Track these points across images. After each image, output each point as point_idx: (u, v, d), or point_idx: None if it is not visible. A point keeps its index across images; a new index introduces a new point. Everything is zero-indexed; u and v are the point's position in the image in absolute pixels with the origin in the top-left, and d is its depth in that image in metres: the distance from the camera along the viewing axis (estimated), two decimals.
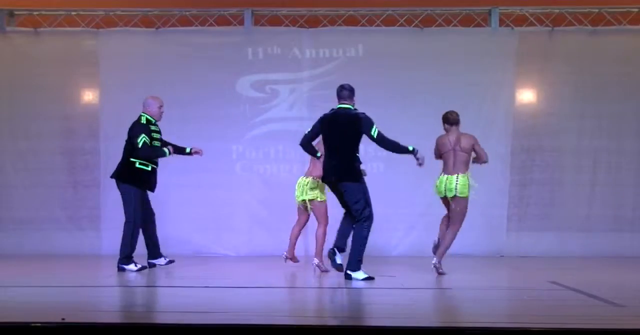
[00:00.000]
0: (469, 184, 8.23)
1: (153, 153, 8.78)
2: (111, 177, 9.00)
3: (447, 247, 8.26)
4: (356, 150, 8.05)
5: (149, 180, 8.82)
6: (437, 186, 8.38)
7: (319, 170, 8.32)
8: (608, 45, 11.02)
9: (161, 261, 8.99)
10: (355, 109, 8.13)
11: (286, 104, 11.19)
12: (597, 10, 11.06)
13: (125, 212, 8.79)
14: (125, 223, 8.80)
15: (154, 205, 9.09)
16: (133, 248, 8.83)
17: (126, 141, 8.88)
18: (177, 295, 7.34)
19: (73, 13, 11.25)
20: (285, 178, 10.99)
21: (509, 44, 11.04)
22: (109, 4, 11.27)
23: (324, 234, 8.63)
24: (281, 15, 11.29)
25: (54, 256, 10.37)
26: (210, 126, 10.87)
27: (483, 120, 10.88)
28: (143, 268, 8.76)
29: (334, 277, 8.36)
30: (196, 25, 11.27)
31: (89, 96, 11.36)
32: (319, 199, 8.65)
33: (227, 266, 9.43)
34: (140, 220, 8.82)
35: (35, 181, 11.14)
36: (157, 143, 8.83)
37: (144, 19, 11.26)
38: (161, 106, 8.90)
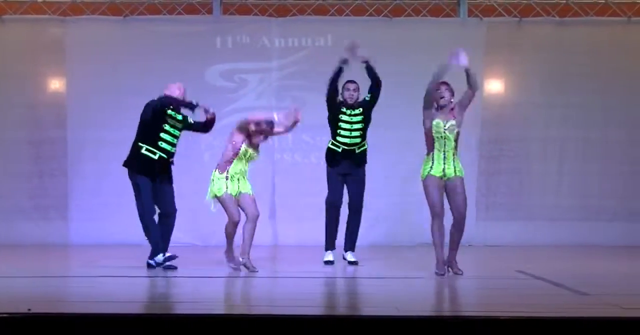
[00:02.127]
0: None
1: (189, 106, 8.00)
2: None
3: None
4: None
5: (152, 169, 8.05)
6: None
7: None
8: (575, 36, 11.11)
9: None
10: None
11: (255, 94, 11.16)
12: (564, 2, 11.15)
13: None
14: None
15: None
16: (156, 242, 8.06)
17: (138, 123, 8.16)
18: (144, 284, 7.32)
19: (39, 0, 11.12)
20: (253, 167, 10.93)
21: (477, 34, 11.08)
22: None
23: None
24: (250, 4, 11.25)
25: (20, 246, 10.28)
26: None
27: None
28: (170, 258, 8.00)
29: (302, 266, 8.38)
30: (164, 14, 11.20)
31: (56, 85, 11.25)
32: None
33: (195, 256, 9.40)
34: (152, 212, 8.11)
35: (0, 171, 11.02)
36: (168, 136, 8.10)
37: (112, 7, 11.17)
38: (179, 89, 8.20)
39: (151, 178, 8.14)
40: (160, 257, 8.06)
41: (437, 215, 7.62)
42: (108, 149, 10.87)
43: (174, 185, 8.36)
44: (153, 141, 8.11)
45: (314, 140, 10.60)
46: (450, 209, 7.72)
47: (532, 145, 11.19)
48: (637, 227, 11.00)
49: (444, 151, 7.66)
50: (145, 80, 10.67)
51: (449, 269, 7.71)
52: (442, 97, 7.71)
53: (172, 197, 8.32)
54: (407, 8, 11.17)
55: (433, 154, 7.67)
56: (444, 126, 7.66)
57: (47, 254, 9.72)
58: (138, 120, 8.75)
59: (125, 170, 10.55)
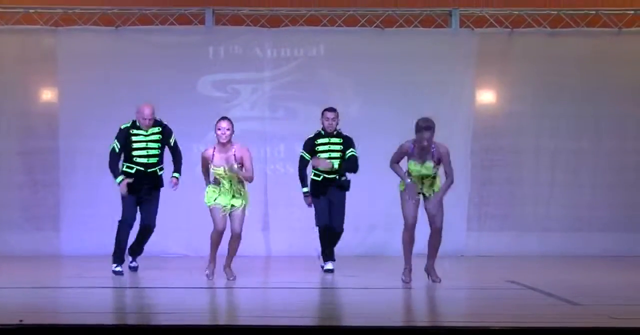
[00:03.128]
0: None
1: (110, 164, 8.75)
2: None
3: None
4: None
5: (132, 183, 8.68)
6: None
7: None
8: (566, 46, 11.15)
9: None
10: None
11: (247, 104, 11.16)
12: (555, 12, 11.19)
13: None
14: None
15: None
16: (118, 247, 8.75)
17: None
18: (136, 295, 7.31)
19: (31, 11, 11.12)
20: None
21: (469, 44, 11.12)
22: (68, 2, 11.14)
23: None
24: (242, 15, 11.27)
25: (11, 257, 10.23)
26: (171, 125, 10.75)
27: (443, 121, 10.87)
28: (118, 273, 8.61)
29: (293, 277, 8.38)
30: (156, 24, 11.20)
31: (48, 95, 11.23)
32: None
33: (187, 267, 9.38)
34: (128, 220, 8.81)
35: None
36: (139, 151, 8.72)
37: (104, 17, 11.17)
38: (144, 117, 8.72)
39: (131, 191, 8.64)
40: (113, 266, 8.60)
41: (408, 226, 7.84)
42: (100, 159, 10.78)
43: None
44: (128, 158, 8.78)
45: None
46: (428, 220, 7.89)
47: (524, 155, 11.21)
48: (628, 237, 11.01)
49: (422, 181, 7.88)
50: (138, 90, 10.66)
51: (428, 276, 7.88)
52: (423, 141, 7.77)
53: (152, 211, 8.81)
54: (399, 18, 11.21)
55: (411, 175, 7.86)
56: (421, 167, 7.80)
57: (38, 265, 9.69)
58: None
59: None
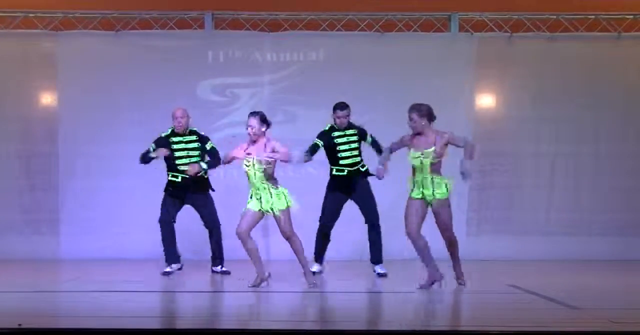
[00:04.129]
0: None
1: (141, 157, 8.91)
2: None
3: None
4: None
5: (174, 191, 8.96)
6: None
7: None
8: (566, 51, 11.16)
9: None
10: None
11: (247, 108, 11.12)
12: (554, 17, 11.21)
13: None
14: None
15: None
16: (165, 249, 8.96)
17: None
18: (135, 299, 7.30)
19: (31, 15, 11.13)
20: (245, 182, 10.95)
21: (468, 49, 11.14)
22: (68, 6, 11.16)
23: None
24: (242, 19, 11.28)
25: (10, 261, 10.22)
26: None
27: (443, 125, 10.88)
28: (166, 273, 8.90)
29: (292, 281, 8.37)
30: (156, 28, 11.21)
31: (47, 99, 11.23)
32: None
33: (188, 270, 9.37)
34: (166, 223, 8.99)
35: None
36: (182, 159, 8.92)
37: (104, 21, 11.18)
38: (176, 117, 8.95)
39: (175, 197, 9.00)
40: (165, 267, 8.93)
41: (408, 234, 7.80)
42: (99, 163, 10.87)
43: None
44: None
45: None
46: (438, 228, 7.88)
47: (523, 159, 11.22)
48: (628, 241, 11.02)
49: (422, 177, 7.77)
50: (137, 94, 10.68)
51: (456, 279, 7.96)
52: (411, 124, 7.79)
53: (211, 213, 9.12)
54: (398, 23, 11.22)
55: (414, 177, 7.81)
56: (421, 154, 7.73)
57: (37, 269, 9.68)
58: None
59: (116, 184, 10.62)
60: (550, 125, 11.18)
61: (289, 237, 7.99)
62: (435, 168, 7.76)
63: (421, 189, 7.77)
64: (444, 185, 7.77)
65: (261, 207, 7.93)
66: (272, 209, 7.91)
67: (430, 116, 7.85)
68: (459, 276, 7.94)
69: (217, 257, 9.14)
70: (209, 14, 11.18)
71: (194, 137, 9.02)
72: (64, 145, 10.94)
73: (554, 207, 11.17)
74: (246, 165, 7.96)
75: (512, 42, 11.22)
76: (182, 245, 9.59)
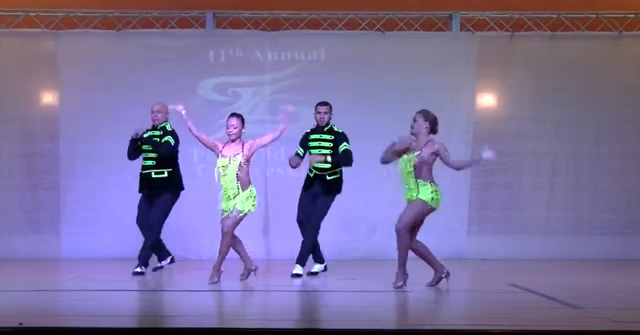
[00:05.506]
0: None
1: (128, 155, 9.05)
2: None
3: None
4: None
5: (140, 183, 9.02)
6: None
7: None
8: (566, 50, 11.16)
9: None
10: None
11: (248, 107, 11.16)
12: (555, 16, 11.20)
13: None
14: None
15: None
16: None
17: None
18: (136, 298, 7.30)
19: (32, 14, 11.13)
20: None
21: (469, 48, 11.14)
22: (69, 5, 11.16)
23: None
24: (243, 18, 11.28)
25: (12, 260, 10.23)
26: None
27: (444, 124, 10.87)
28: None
29: (292, 280, 8.37)
30: (157, 28, 11.22)
31: (48, 98, 11.24)
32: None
33: (187, 270, 9.38)
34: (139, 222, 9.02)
35: None
36: (147, 153, 8.96)
37: (105, 20, 11.18)
38: (152, 111, 9.01)
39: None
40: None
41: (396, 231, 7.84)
42: (100, 162, 10.88)
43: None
44: None
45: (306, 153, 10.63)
46: None
47: (524, 159, 11.21)
48: (628, 240, 11.02)
49: (406, 180, 7.81)
50: (138, 93, 10.67)
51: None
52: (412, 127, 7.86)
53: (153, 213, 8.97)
54: (400, 22, 11.22)
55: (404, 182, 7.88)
56: (407, 156, 7.79)
57: (39, 268, 9.68)
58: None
59: (118, 183, 10.60)
60: (551, 124, 11.18)
61: (226, 233, 8.07)
62: (421, 174, 7.73)
63: (409, 192, 7.77)
64: (428, 191, 7.72)
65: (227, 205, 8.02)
66: (231, 208, 8.00)
67: (433, 125, 7.87)
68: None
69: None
70: (210, 13, 11.18)
71: (158, 133, 8.96)
72: (65, 145, 10.95)
73: (555, 206, 11.17)
74: (222, 167, 8.00)
75: (513, 41, 11.22)
76: (172, 244, 9.64)
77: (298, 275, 8.63)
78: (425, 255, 7.86)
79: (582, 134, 11.20)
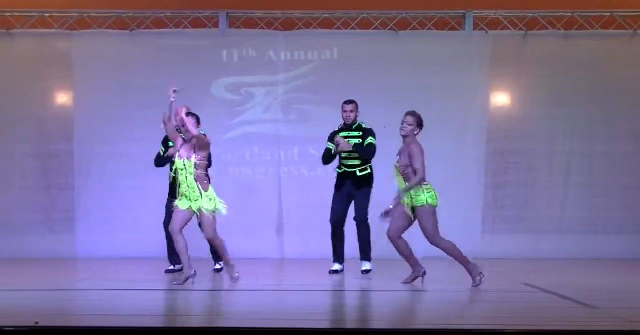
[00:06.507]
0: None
1: (156, 161, 9.04)
2: None
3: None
4: None
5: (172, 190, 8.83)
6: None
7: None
8: (580, 48, 11.12)
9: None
10: None
11: (261, 107, 11.18)
12: (570, 15, 11.16)
13: None
14: None
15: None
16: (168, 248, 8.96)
17: None
18: (151, 298, 7.32)
19: (46, 14, 11.18)
20: (260, 181, 11.00)
21: (483, 47, 11.11)
22: (82, 6, 11.20)
23: None
24: (256, 18, 11.29)
25: (27, 260, 10.29)
26: None
27: (458, 124, 10.97)
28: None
29: (306, 279, 8.38)
30: (171, 28, 11.24)
31: (63, 98, 11.28)
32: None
33: (200, 269, 9.39)
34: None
35: (8, 184, 11.03)
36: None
37: (118, 20, 11.21)
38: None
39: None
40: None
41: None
42: (115, 162, 10.91)
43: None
44: None
45: (320, 153, 10.62)
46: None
47: (538, 158, 11.19)
48: None
49: (398, 184, 7.86)
50: (152, 94, 10.67)
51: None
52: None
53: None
54: (413, 21, 11.20)
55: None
56: (396, 162, 7.87)
57: (54, 267, 9.72)
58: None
59: (132, 183, 10.62)
60: (565, 123, 11.14)
61: (212, 239, 8.06)
62: (409, 179, 7.74)
63: (403, 197, 7.79)
64: (422, 194, 7.70)
65: (190, 206, 7.96)
66: (200, 210, 7.95)
67: (420, 124, 7.90)
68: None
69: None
70: (223, 13, 11.20)
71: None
72: (80, 145, 10.99)
73: (569, 205, 11.13)
74: (180, 169, 7.98)
75: (527, 40, 11.18)
76: (193, 244, 9.60)
77: (367, 271, 8.77)
78: (406, 254, 7.91)
79: (596, 133, 11.15)
